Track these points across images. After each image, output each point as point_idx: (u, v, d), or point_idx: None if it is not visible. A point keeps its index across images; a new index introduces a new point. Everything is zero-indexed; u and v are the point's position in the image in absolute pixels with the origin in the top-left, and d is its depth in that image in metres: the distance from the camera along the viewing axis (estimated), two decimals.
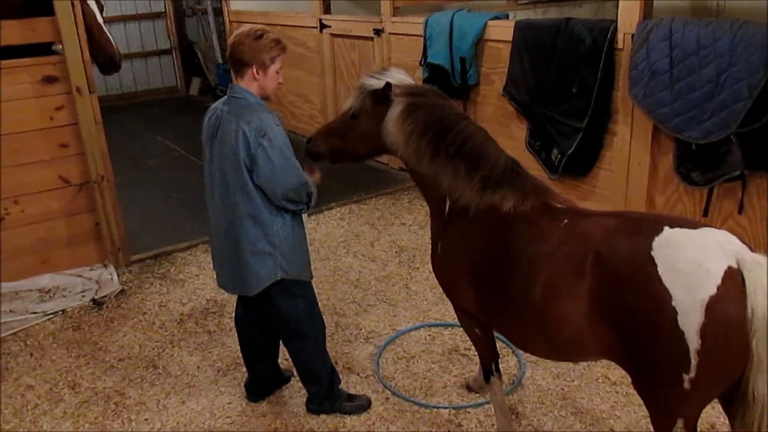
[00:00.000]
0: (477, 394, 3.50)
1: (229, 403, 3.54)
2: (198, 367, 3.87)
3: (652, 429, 3.14)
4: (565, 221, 2.43)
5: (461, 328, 3.98)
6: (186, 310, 4.49)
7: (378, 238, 5.45)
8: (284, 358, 3.61)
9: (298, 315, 3.21)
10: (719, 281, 2.01)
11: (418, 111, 2.71)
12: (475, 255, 2.68)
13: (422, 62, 5.94)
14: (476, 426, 3.28)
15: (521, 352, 3.67)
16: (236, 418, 3.43)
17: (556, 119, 4.86)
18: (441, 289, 4.31)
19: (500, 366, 3.12)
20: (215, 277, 3.32)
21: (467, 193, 2.62)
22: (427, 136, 2.67)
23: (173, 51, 11.89)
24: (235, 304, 3.47)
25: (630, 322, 2.16)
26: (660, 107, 4.08)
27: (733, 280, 2.02)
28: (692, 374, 2.07)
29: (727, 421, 2.40)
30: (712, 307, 2.00)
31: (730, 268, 2.03)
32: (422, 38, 5.91)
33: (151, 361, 3.95)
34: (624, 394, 3.42)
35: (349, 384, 3.60)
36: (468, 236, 2.70)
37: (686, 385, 2.09)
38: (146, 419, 3.45)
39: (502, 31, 5.29)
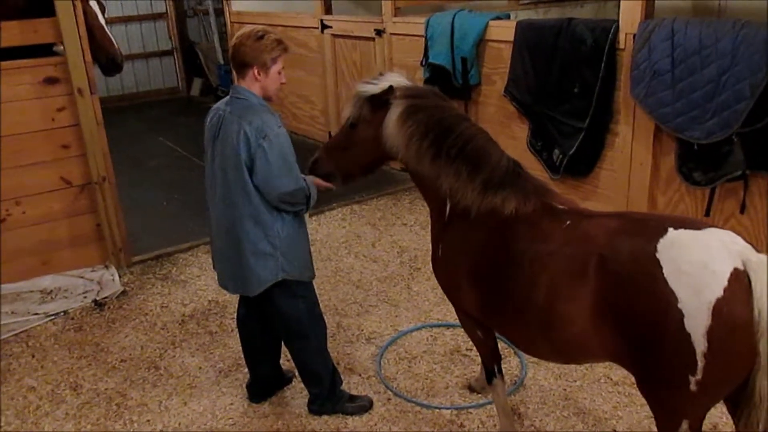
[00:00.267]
0: (479, 395, 3.49)
1: (231, 404, 3.54)
2: (200, 368, 3.87)
3: (654, 429, 3.14)
4: (568, 222, 2.41)
5: (463, 329, 3.99)
6: (187, 311, 4.49)
7: (379, 239, 5.45)
8: (286, 359, 3.61)
9: (300, 315, 3.21)
10: (725, 283, 2.00)
11: (418, 113, 2.69)
12: (477, 257, 2.66)
13: (423, 62, 5.94)
14: (478, 426, 3.27)
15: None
16: (238, 419, 3.43)
17: (557, 119, 4.86)
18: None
19: (502, 367, 3.11)
20: (216, 277, 3.31)
21: (468, 195, 2.60)
22: (428, 138, 2.65)
23: (174, 52, 11.89)
24: (236, 305, 3.47)
25: (635, 324, 2.15)
26: (662, 107, 4.08)
27: (740, 281, 2.01)
28: (698, 376, 2.06)
29: (730, 422, 2.40)
30: (719, 309, 1.99)
31: (736, 269, 2.02)
32: (423, 38, 5.90)
33: (152, 362, 3.94)
34: (626, 394, 3.42)
35: (351, 385, 3.60)
36: (469, 238, 2.69)
37: (692, 387, 2.08)
38: (148, 420, 3.45)
39: (503, 31, 5.29)
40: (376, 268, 4.96)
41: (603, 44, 4.43)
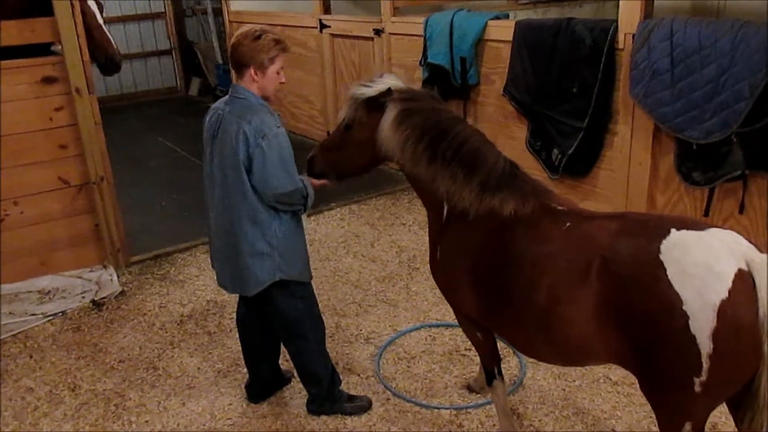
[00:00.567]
0: (478, 395, 3.49)
1: (230, 404, 3.54)
2: (198, 368, 3.86)
3: (653, 430, 3.14)
4: (568, 224, 2.40)
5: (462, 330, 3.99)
6: (186, 311, 4.48)
7: (378, 239, 5.45)
8: (285, 359, 3.60)
9: (298, 316, 3.20)
10: (730, 284, 1.99)
11: (413, 116, 2.67)
12: (476, 259, 2.65)
13: (422, 62, 5.94)
14: (477, 426, 3.27)
15: None
16: (237, 419, 3.42)
17: (556, 119, 4.85)
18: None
19: (501, 367, 3.10)
20: (215, 276, 3.31)
21: (466, 197, 2.59)
22: (424, 141, 2.63)
23: (173, 51, 11.88)
24: (235, 305, 3.47)
25: (639, 326, 2.13)
26: (661, 107, 4.08)
27: (744, 282, 2.00)
28: (703, 378, 2.05)
29: (730, 421, 2.39)
30: (724, 310, 1.98)
31: (740, 270, 2.01)
32: (422, 38, 5.90)
33: (151, 362, 3.94)
34: (625, 394, 3.42)
35: (350, 385, 3.59)
36: (468, 240, 2.68)
37: (697, 388, 2.07)
38: (146, 421, 3.44)
39: (502, 31, 5.29)
40: (375, 268, 4.95)
41: (602, 44, 4.43)
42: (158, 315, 4.46)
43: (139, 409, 3.53)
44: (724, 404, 2.38)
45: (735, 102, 3.69)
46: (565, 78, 4.70)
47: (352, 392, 3.51)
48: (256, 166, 2.87)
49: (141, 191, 6.72)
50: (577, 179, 4.95)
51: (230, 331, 4.16)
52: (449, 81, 5.66)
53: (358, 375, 3.71)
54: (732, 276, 2.00)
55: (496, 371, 3.03)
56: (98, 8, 4.82)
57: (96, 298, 4.62)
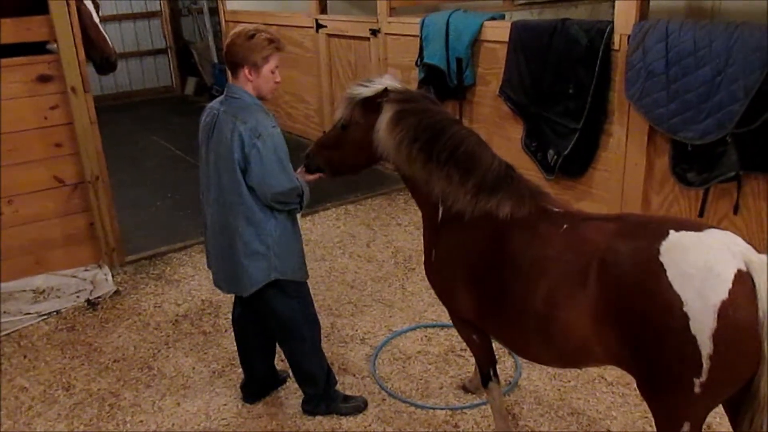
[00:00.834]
0: (473, 395, 3.49)
1: (225, 404, 3.53)
2: (193, 368, 3.85)
3: (648, 430, 3.15)
4: (565, 226, 2.39)
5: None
6: (181, 311, 4.47)
7: (374, 239, 5.45)
8: (280, 359, 3.59)
9: (293, 316, 3.20)
10: (730, 285, 1.99)
11: (409, 117, 2.67)
12: (473, 262, 2.64)
13: (418, 62, 5.94)
14: (473, 427, 3.27)
15: None
16: (232, 419, 3.42)
17: (552, 120, 4.86)
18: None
19: (497, 369, 3.10)
20: (211, 276, 3.30)
21: (461, 199, 2.59)
22: (419, 142, 2.63)
23: (169, 50, 11.85)
24: (230, 305, 3.47)
25: (639, 328, 2.13)
26: (656, 108, 4.09)
27: (744, 283, 2.01)
28: (703, 378, 2.05)
29: (724, 421, 2.40)
30: (725, 311, 1.98)
31: (739, 271, 2.01)
32: (418, 38, 5.90)
33: (146, 362, 3.93)
34: (620, 394, 3.42)
35: (345, 385, 3.59)
36: (464, 243, 2.67)
37: (697, 389, 2.07)
38: (141, 421, 3.43)
39: (498, 31, 5.29)
40: (371, 268, 4.95)
41: (598, 45, 4.44)
42: (153, 315, 4.45)
43: (133, 409, 3.52)
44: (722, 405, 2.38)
45: (730, 103, 3.70)
46: (561, 79, 4.71)
47: (348, 392, 3.51)
48: (254, 166, 2.86)
49: (136, 190, 6.70)
50: (573, 180, 4.96)
51: (225, 330, 4.16)
52: (445, 81, 5.67)
53: (354, 375, 3.71)
54: (732, 277, 2.00)
55: (491, 373, 3.03)
56: (94, 7, 4.80)
57: (91, 298, 4.61)
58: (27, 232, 4.72)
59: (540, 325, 2.39)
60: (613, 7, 4.49)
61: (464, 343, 3.83)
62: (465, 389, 3.53)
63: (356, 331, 4.14)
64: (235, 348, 3.53)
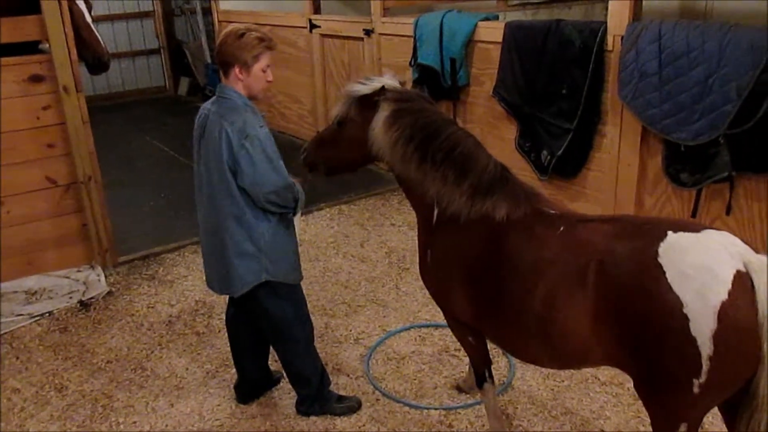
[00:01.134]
0: (467, 395, 3.49)
1: (219, 405, 3.52)
2: (187, 368, 3.84)
3: (641, 429, 3.16)
4: (561, 228, 2.39)
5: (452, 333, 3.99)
6: (174, 312, 4.46)
7: (368, 239, 5.44)
8: (274, 360, 3.59)
9: (285, 317, 3.19)
10: (730, 286, 1.99)
11: (405, 117, 2.65)
12: (469, 264, 2.63)
13: (412, 63, 5.94)
14: (467, 427, 3.28)
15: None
16: (225, 420, 3.41)
17: (545, 120, 4.87)
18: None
19: (492, 370, 3.09)
20: (204, 276, 3.30)
21: (456, 201, 2.57)
22: (414, 142, 2.61)
23: (161, 51, 11.82)
24: (223, 305, 3.46)
25: (639, 330, 2.12)
26: (649, 109, 4.10)
27: (743, 283, 2.01)
28: (703, 379, 2.05)
29: (716, 421, 2.40)
30: (724, 312, 1.98)
31: (738, 271, 2.01)
32: (412, 39, 5.90)
33: (139, 363, 3.91)
34: (614, 394, 3.43)
35: (339, 385, 3.59)
36: (460, 245, 2.66)
37: (696, 390, 2.07)
38: (134, 422, 3.42)
39: (492, 32, 5.30)
40: (365, 268, 4.95)
41: (591, 46, 4.45)
42: (146, 315, 4.43)
43: (127, 410, 3.51)
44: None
45: (722, 104, 3.72)
46: (555, 79, 4.72)
47: (342, 393, 3.50)
48: (245, 168, 2.85)
49: (129, 191, 6.68)
50: (566, 180, 4.97)
51: (219, 331, 4.15)
52: (439, 82, 5.67)
53: (348, 375, 3.70)
54: (731, 277, 2.00)
55: (487, 374, 3.02)
56: (86, 7, 4.78)
57: (83, 299, 4.59)
58: (19, 232, 4.69)
59: (538, 327, 2.38)
60: (607, 8, 4.50)
61: (458, 343, 3.83)
62: (459, 389, 3.53)
63: (350, 331, 4.14)
64: (229, 348, 3.52)
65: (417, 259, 4.77)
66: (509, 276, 2.45)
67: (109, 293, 4.71)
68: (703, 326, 1.99)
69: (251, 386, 3.54)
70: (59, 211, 4.83)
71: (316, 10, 7.54)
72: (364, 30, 6.66)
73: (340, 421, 3.34)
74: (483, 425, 3.27)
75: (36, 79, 4.55)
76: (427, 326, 4.13)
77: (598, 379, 3.54)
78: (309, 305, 3.40)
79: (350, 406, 3.40)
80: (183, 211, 5.85)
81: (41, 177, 4.71)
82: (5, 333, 4.24)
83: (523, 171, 4.95)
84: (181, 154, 7.70)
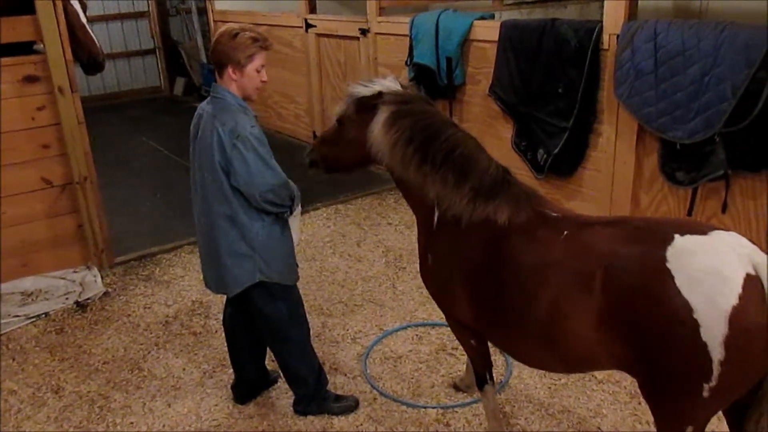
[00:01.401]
0: (464, 394, 3.50)
1: (216, 405, 3.52)
2: (184, 369, 3.84)
3: (638, 428, 3.17)
4: (566, 232, 2.35)
5: (448, 328, 3.99)
6: (171, 312, 4.45)
7: (364, 238, 5.44)
8: (271, 360, 3.58)
9: (281, 317, 3.19)
10: (740, 290, 1.96)
11: (404, 118, 2.63)
12: (471, 268, 2.61)
13: (408, 62, 5.94)
14: (464, 425, 3.28)
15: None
16: (223, 420, 3.40)
17: (542, 119, 4.88)
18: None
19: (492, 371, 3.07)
20: (202, 276, 3.29)
21: (457, 204, 2.54)
22: (413, 144, 2.59)
23: (157, 51, 11.79)
24: (220, 305, 3.46)
25: (647, 336, 2.09)
26: (645, 107, 4.11)
27: (754, 286, 1.98)
28: (713, 383, 2.02)
29: (713, 421, 2.39)
30: (736, 317, 1.95)
31: (748, 274, 1.98)
32: (408, 38, 5.90)
33: (136, 363, 3.91)
34: (610, 392, 3.44)
35: (337, 384, 3.59)
36: (461, 248, 2.63)
37: (705, 393, 2.05)
38: (131, 422, 3.41)
39: (488, 31, 5.30)
40: (361, 267, 4.95)
41: (587, 45, 4.46)
42: (143, 316, 4.42)
43: (124, 411, 3.50)
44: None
45: (718, 102, 3.73)
46: (551, 78, 4.72)
47: (339, 392, 3.51)
48: (238, 169, 2.84)
49: (125, 191, 6.67)
50: (563, 179, 4.97)
51: (216, 331, 4.14)
52: (435, 81, 5.67)
53: (345, 375, 3.70)
54: (741, 281, 1.97)
55: (487, 376, 3.00)
56: (81, 7, 4.77)
57: (80, 300, 4.58)
58: (15, 233, 4.67)
59: (543, 333, 2.35)
60: (602, 7, 4.51)
61: (455, 342, 3.85)
62: (456, 388, 3.53)
63: (347, 330, 4.14)
64: (226, 349, 3.52)
65: (414, 259, 4.77)
66: (513, 280, 2.42)
67: (106, 294, 4.70)
68: (714, 331, 1.96)
69: (248, 386, 3.53)
70: (55, 212, 4.82)
71: (312, 9, 7.53)
72: (360, 29, 6.66)
73: (338, 421, 3.34)
74: (480, 424, 3.27)
75: (31, 79, 4.54)
76: (424, 325, 4.13)
77: (595, 377, 3.55)
78: (306, 305, 3.40)
79: (348, 406, 3.40)
80: (179, 211, 5.84)
81: (36, 178, 4.70)
82: (1, 334, 4.22)
83: (519, 170, 4.95)
84: (177, 155, 7.69)
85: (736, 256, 2.02)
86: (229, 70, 2.89)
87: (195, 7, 10.98)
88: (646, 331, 2.09)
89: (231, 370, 3.59)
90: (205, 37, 10.70)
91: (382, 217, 5.86)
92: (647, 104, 4.09)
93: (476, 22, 5.42)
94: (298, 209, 3.16)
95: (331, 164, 3.05)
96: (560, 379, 3.56)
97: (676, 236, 2.08)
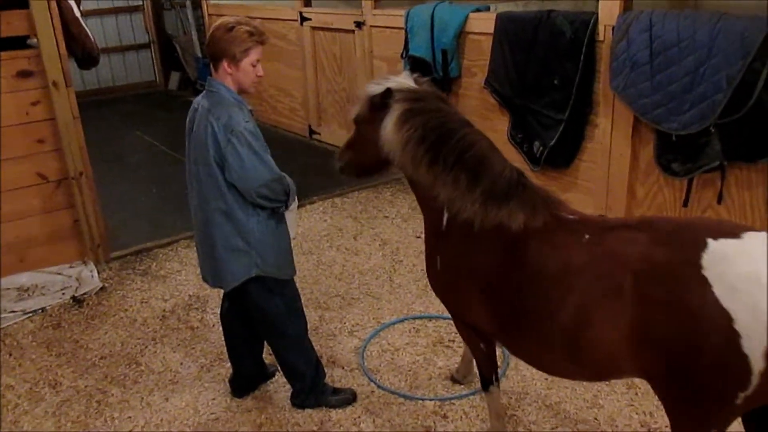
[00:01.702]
0: (462, 386, 3.51)
1: (214, 399, 3.52)
2: (181, 363, 3.84)
3: (635, 417, 3.18)
4: (587, 236, 2.26)
5: (445, 320, 4.01)
6: (168, 307, 4.45)
7: (361, 232, 5.45)
8: (268, 353, 3.59)
9: (278, 312, 3.19)
10: None
11: (416, 117, 2.54)
12: (485, 274, 2.53)
13: (404, 55, 5.93)
14: (462, 417, 3.29)
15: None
16: (221, 413, 3.41)
17: (537, 111, 4.88)
18: (425, 281, 4.31)
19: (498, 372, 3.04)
20: (199, 270, 3.29)
21: (469, 207, 2.45)
22: (425, 144, 2.50)
23: (151, 45, 11.75)
24: (217, 300, 3.46)
25: (683, 347, 2.00)
26: (640, 99, 4.11)
27: None
28: (749, 392, 1.97)
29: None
30: None
31: None
32: (404, 31, 5.89)
33: (133, 358, 3.91)
34: (607, 382, 3.45)
35: (334, 377, 3.59)
36: (473, 253, 2.56)
37: (739, 401, 1.99)
38: (129, 417, 3.42)
39: (483, 23, 5.29)
40: (358, 260, 4.95)
41: (582, 36, 4.45)
42: (140, 310, 4.42)
43: (121, 405, 3.50)
44: None
45: (713, 93, 3.73)
46: (546, 70, 4.72)
47: (337, 385, 3.51)
48: (232, 164, 2.83)
49: (121, 186, 6.65)
50: (559, 171, 4.98)
51: (213, 325, 4.14)
52: (430, 73, 5.65)
53: (343, 368, 3.71)
54: None
55: (493, 378, 2.96)
56: (75, 1, 4.75)
57: (76, 295, 4.57)
58: (10, 229, 4.66)
59: (568, 343, 2.27)
60: None
61: (452, 334, 3.87)
62: (453, 380, 3.54)
63: (344, 323, 4.14)
64: (223, 343, 3.52)
65: (410, 252, 4.79)
66: (533, 288, 2.34)
67: (102, 289, 4.69)
68: (756, 342, 1.89)
69: (246, 380, 3.54)
70: (51, 207, 4.80)
71: (307, 2, 7.51)
72: (355, 22, 6.64)
73: (336, 414, 3.34)
74: (478, 415, 3.28)
75: (25, 74, 4.51)
76: (422, 317, 4.14)
77: None
78: (303, 298, 3.39)
79: (345, 399, 3.41)
80: (175, 205, 5.83)
81: (32, 173, 4.68)
82: None
83: (515, 162, 4.93)
84: (173, 149, 7.67)
85: None
86: (225, 63, 2.87)
87: (189, 0, 10.92)
88: (681, 342, 2.00)
89: (228, 364, 3.59)
90: (200, 31, 10.65)
91: (378, 211, 5.86)
92: (643, 96, 4.09)
93: (472, 15, 5.41)
94: (294, 204, 3.14)
95: (356, 168, 2.96)
96: None
97: (710, 241, 1.99)
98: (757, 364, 1.91)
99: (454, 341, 3.84)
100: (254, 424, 3.32)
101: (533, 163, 5.02)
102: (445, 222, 2.66)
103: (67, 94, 4.64)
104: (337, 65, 7.22)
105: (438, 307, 4.10)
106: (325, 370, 3.47)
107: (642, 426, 3.16)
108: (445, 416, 3.30)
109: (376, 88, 2.71)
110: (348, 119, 2.99)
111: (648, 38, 4.01)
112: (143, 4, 11.51)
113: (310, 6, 7.50)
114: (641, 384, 3.38)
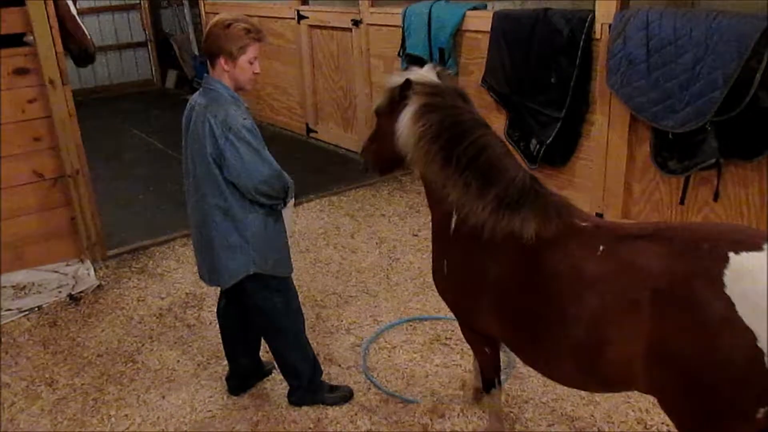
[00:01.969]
0: (461, 388, 3.50)
1: (210, 396, 3.52)
2: (178, 361, 3.83)
3: (631, 414, 3.19)
4: (602, 247, 2.18)
5: (445, 320, 4.01)
6: (165, 304, 4.45)
7: (358, 230, 5.44)
8: (265, 351, 3.59)
9: (275, 309, 3.19)
10: None
11: (433, 113, 2.46)
12: (495, 282, 2.47)
13: (401, 53, 5.93)
14: (458, 414, 3.29)
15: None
16: (217, 411, 3.41)
17: (534, 109, 4.88)
18: (422, 279, 4.32)
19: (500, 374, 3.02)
20: (196, 267, 3.29)
21: (479, 212, 2.37)
22: (439, 142, 2.42)
23: (148, 43, 11.73)
24: (214, 297, 3.46)
25: (703, 366, 1.95)
26: (637, 96, 4.12)
27: None
28: None
29: None
30: None
31: None
32: (401, 29, 5.89)
33: (130, 356, 3.90)
34: None
35: (331, 375, 3.59)
36: (483, 259, 2.49)
37: (759, 416, 1.94)
38: (126, 415, 3.41)
39: (480, 21, 5.30)
40: (355, 259, 4.95)
41: (579, 34, 4.46)
42: (136, 308, 4.42)
43: (118, 403, 3.50)
44: None
45: (710, 91, 3.74)
46: (543, 68, 4.72)
47: (333, 382, 3.51)
48: (231, 161, 2.82)
49: (117, 184, 6.64)
50: (556, 169, 4.99)
51: (210, 323, 4.14)
52: None
53: (339, 365, 3.71)
54: None
55: (496, 381, 2.94)
56: None
57: (73, 293, 4.56)
58: (7, 227, 4.65)
59: (580, 356, 2.22)
60: None
61: (449, 332, 3.87)
62: (476, 399, 3.36)
63: (341, 321, 4.14)
64: (220, 340, 3.52)
65: (407, 249, 4.78)
66: (545, 300, 2.27)
67: (99, 287, 4.69)
68: None
69: (243, 377, 3.53)
70: (47, 205, 4.79)
71: (304, 0, 7.50)
72: (352, 20, 6.64)
73: (332, 411, 3.34)
74: (475, 413, 3.28)
75: (21, 72, 4.50)
76: (425, 319, 4.13)
77: None
78: (300, 296, 3.39)
79: (342, 396, 3.41)
80: (172, 203, 5.83)
81: (28, 171, 4.67)
82: None
83: None
84: (170, 147, 7.66)
85: None
86: (221, 61, 2.86)
87: None
88: (702, 360, 1.95)
89: (225, 362, 3.59)
90: (197, 29, 10.64)
91: (375, 209, 5.86)
92: (639, 93, 4.10)
93: (469, 13, 5.41)
94: (292, 201, 3.14)
95: (376, 163, 2.90)
96: None
97: (731, 255, 1.91)
98: None
99: (450, 339, 3.84)
100: (251, 421, 3.32)
101: (530, 161, 5.02)
102: (453, 225, 2.60)
103: (64, 92, 4.63)
104: (334, 63, 7.22)
105: (435, 305, 4.10)
106: (322, 368, 3.47)
107: (638, 423, 3.16)
108: (441, 415, 3.30)
109: (396, 79, 2.65)
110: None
111: (644, 36, 4.02)
112: (140, 2, 11.49)
113: (308, 4, 7.49)
114: None
